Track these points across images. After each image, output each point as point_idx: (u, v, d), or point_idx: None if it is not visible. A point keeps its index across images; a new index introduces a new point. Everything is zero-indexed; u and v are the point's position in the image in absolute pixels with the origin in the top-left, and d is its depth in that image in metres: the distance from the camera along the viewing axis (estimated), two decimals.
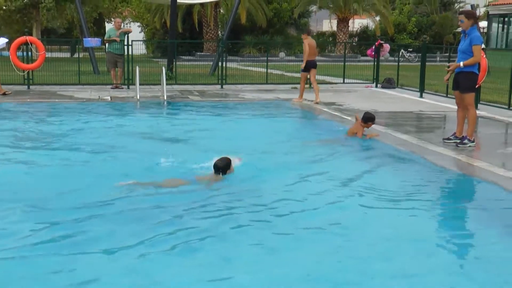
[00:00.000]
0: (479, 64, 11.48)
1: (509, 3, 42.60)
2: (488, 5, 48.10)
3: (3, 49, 22.75)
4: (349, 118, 14.22)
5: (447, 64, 12.16)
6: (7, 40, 19.08)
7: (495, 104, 16.46)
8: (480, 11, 50.64)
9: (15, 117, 14.70)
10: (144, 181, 8.39)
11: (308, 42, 17.48)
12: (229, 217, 7.00)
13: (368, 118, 11.65)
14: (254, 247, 6.08)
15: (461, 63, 10.99)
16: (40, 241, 6.16)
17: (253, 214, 7.13)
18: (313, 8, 53.56)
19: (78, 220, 6.84)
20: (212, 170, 8.56)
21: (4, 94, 17.96)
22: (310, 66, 17.55)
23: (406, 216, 7.41)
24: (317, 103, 17.25)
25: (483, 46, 11.44)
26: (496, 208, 7.64)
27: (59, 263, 5.72)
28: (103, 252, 5.93)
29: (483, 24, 44.25)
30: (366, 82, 24.01)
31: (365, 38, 52.40)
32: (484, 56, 13.77)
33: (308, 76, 17.78)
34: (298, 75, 23.27)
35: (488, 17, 45.22)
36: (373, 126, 12.12)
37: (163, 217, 6.95)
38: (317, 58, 18.61)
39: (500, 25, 43.79)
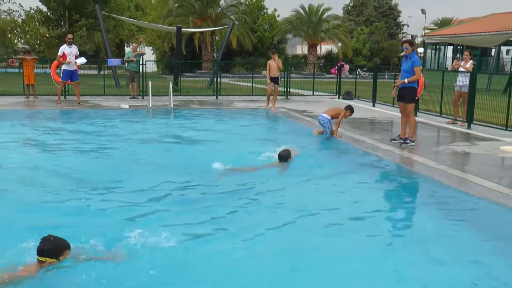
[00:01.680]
0: (418, 81, 11.56)
1: (440, 35, 43.22)
2: (424, 36, 48.44)
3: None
4: (315, 122, 14.23)
5: (394, 81, 12.16)
6: (85, 60, 18.95)
7: (429, 112, 16.53)
8: (418, 40, 50.91)
9: (68, 119, 15.09)
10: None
11: (270, 62, 17.45)
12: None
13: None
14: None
15: (406, 80, 11.05)
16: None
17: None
18: (289, 36, 53.61)
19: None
20: (276, 160, 9.04)
21: (59, 103, 17.94)
22: (272, 81, 17.62)
23: (356, 193, 7.65)
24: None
25: (421, 67, 11.48)
26: (428, 191, 7.75)
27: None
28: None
29: (420, 50, 44.62)
30: (331, 94, 24.04)
31: (329, 60, 52.53)
32: (422, 75, 13.84)
33: (273, 88, 17.70)
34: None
35: (424, 45, 45.71)
36: (341, 131, 12.21)
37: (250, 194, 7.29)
38: (292, 75, 18.49)
39: (433, 51, 44.36)
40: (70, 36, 19.08)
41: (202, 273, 4.80)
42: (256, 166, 8.93)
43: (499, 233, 6.06)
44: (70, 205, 6.71)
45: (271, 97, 17.92)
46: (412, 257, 5.33)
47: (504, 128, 13.25)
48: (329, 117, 12.01)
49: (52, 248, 4.48)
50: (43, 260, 4.47)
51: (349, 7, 67.75)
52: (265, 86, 18.52)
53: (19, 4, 39.60)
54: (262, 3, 51.99)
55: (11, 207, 6.50)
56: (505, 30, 33.33)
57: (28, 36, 39.07)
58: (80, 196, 7.03)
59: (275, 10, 52.90)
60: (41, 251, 4.47)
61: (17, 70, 24.70)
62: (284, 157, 9.07)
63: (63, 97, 19.65)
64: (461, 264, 5.14)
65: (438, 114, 15.93)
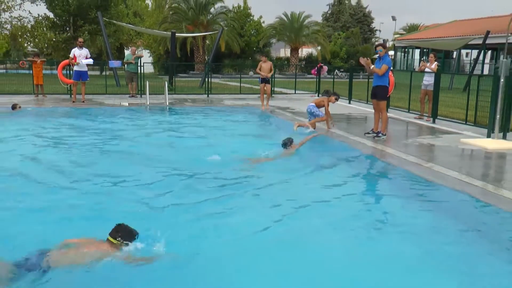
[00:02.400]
0: (389, 80, 11.60)
1: (408, 39, 43.57)
2: (394, 40, 48.75)
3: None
4: (297, 118, 14.25)
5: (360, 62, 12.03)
6: (92, 61, 18.81)
7: (399, 109, 16.62)
8: (389, 44, 51.07)
9: (78, 115, 15.06)
10: None
11: (262, 65, 16.79)
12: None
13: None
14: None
15: (371, 66, 11.15)
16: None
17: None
18: (273, 40, 53.51)
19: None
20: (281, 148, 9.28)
21: (73, 102, 17.86)
22: (263, 82, 17.00)
23: (332, 181, 7.69)
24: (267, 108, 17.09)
25: (391, 68, 11.52)
26: (398, 179, 7.84)
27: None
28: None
29: (391, 52, 44.76)
30: (311, 92, 24.06)
31: (310, 61, 52.43)
32: (392, 75, 13.90)
33: (265, 88, 17.09)
34: None
35: (395, 48, 45.85)
36: (321, 125, 12.28)
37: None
38: (276, 75, 18.33)
39: (403, 53, 44.51)
40: (80, 40, 18.88)
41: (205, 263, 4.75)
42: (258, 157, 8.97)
43: (456, 215, 6.13)
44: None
45: (265, 95, 17.22)
46: (383, 239, 5.41)
47: (464, 122, 13.37)
48: (313, 104, 12.26)
49: (125, 234, 4.59)
50: (115, 242, 4.54)
51: (328, 14, 67.79)
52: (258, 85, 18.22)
53: (29, 11, 39.85)
54: (249, 10, 51.87)
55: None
56: (465, 35, 33.61)
57: (36, 40, 38.88)
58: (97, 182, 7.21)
59: (261, 17, 52.86)
60: (115, 234, 4.56)
61: (27, 71, 24.46)
62: (286, 144, 9.30)
63: (69, 95, 19.52)
64: (419, 240, 5.26)
65: (407, 110, 16.03)
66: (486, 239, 5.34)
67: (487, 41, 29.01)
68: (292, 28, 49.29)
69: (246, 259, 4.77)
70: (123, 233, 4.58)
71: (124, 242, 4.54)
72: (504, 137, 11.18)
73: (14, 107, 14.97)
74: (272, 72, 17.32)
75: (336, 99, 12.64)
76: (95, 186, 7.03)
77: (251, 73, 42.92)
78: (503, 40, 26.02)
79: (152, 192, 6.74)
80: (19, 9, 40.07)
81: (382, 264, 4.68)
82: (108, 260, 4.38)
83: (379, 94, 11.28)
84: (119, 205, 6.24)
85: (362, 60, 11.41)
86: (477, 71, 29.57)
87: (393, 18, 59.96)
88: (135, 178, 7.51)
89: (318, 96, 22.73)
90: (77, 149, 9.79)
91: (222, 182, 7.42)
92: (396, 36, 53.59)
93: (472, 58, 35.96)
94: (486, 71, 33.05)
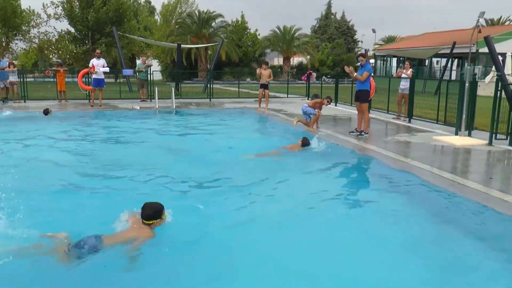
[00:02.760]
0: (370, 85, 11.65)
1: (387, 49, 43.56)
2: (374, 50, 48.70)
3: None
4: (290, 118, 14.29)
5: (352, 84, 12.21)
6: (108, 69, 18.78)
7: (379, 110, 16.67)
8: (370, 53, 51.06)
9: (98, 117, 15.08)
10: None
11: (262, 71, 16.52)
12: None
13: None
14: None
15: (355, 74, 11.27)
16: None
17: None
18: (268, 50, 53.39)
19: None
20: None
21: (92, 106, 17.79)
22: (262, 87, 16.82)
23: (320, 175, 7.72)
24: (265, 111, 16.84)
25: (372, 74, 11.57)
26: (378, 172, 7.84)
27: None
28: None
29: (372, 61, 44.79)
30: (302, 96, 24.08)
31: (300, 69, 52.28)
32: (373, 80, 13.94)
33: (264, 93, 16.87)
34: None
35: (375, 56, 45.85)
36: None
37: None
38: (271, 81, 18.16)
39: (382, 61, 44.55)
40: (98, 51, 18.87)
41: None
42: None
43: (427, 203, 6.18)
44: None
45: (263, 99, 16.96)
46: (363, 222, 5.48)
47: (436, 122, 13.44)
48: (307, 105, 12.44)
49: (154, 212, 4.52)
50: (151, 223, 4.50)
51: (316, 27, 67.65)
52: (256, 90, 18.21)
53: (53, 27, 39.95)
54: (246, 24, 51.80)
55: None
56: (435, 46, 33.68)
57: (60, 52, 39.05)
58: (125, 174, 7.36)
59: (256, 30, 52.88)
60: (147, 217, 4.50)
61: (51, 80, 24.39)
62: (305, 144, 9.46)
63: (87, 100, 19.53)
64: (395, 226, 5.34)
65: (386, 111, 16.09)
66: (453, 224, 5.40)
67: (454, 51, 29.13)
68: (284, 40, 49.22)
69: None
70: (151, 212, 4.52)
71: (156, 219, 4.51)
72: (469, 135, 11.27)
73: (46, 112, 14.57)
74: (271, 78, 16.97)
75: (329, 102, 12.73)
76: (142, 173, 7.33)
77: (248, 79, 42.99)
78: (467, 50, 26.13)
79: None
80: (46, 25, 40.38)
81: (363, 246, 4.76)
82: (150, 241, 4.43)
83: (361, 97, 11.33)
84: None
85: (347, 69, 11.49)
86: (446, 77, 29.64)
87: (373, 31, 59.99)
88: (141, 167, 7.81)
89: (308, 99, 22.77)
90: (119, 144, 10.15)
91: (228, 173, 7.52)
92: (376, 46, 53.51)
93: (441, 66, 36.00)
94: (453, 77, 33.13)
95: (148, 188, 6.55)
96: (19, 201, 4.91)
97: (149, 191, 6.29)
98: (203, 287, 3.93)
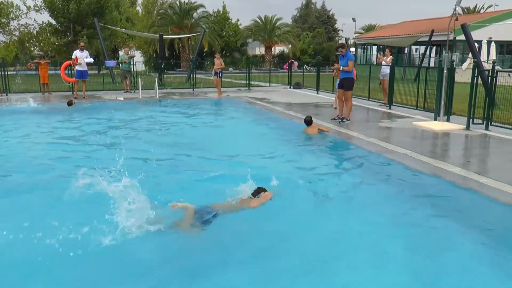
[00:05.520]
0: (354, 72, 11.73)
1: (367, 37, 43.83)
2: (355, 38, 48.92)
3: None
4: (271, 106, 14.33)
5: (332, 71, 12.30)
6: (92, 60, 18.60)
7: (361, 97, 16.79)
8: (350, 41, 51.23)
9: (83, 109, 14.86)
10: None
11: (215, 61, 18.41)
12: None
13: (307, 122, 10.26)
14: None
15: (341, 67, 11.28)
16: None
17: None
18: (250, 40, 53.20)
19: None
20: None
21: (75, 98, 17.48)
22: (215, 74, 18.64)
23: (304, 157, 7.80)
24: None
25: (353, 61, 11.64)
26: (359, 157, 7.90)
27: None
28: None
29: (352, 49, 44.97)
30: (284, 84, 24.09)
31: (282, 58, 52.16)
32: (354, 68, 14.04)
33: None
34: (241, 81, 23.35)
35: (355, 45, 46.03)
36: (293, 113, 12.34)
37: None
38: (253, 70, 18.44)
39: (362, 50, 44.78)
40: (82, 44, 18.82)
41: None
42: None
43: (406, 186, 6.27)
44: None
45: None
46: (345, 204, 5.58)
47: (415, 108, 13.61)
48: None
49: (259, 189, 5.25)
50: (255, 198, 5.17)
51: (296, 17, 67.61)
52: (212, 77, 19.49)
53: (34, 19, 39.29)
54: (227, 14, 51.49)
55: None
56: (414, 34, 33.93)
57: (41, 44, 38.38)
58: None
59: (238, 20, 52.49)
60: (255, 193, 5.20)
61: (34, 72, 24.01)
62: (308, 121, 9.97)
63: (71, 93, 19.31)
64: (377, 206, 5.44)
65: (367, 98, 16.22)
66: (430, 204, 5.52)
67: (433, 39, 29.38)
68: (265, 29, 49.09)
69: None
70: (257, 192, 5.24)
71: (257, 196, 5.18)
72: (448, 120, 11.45)
73: (70, 103, 14.89)
74: (223, 67, 18.92)
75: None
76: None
77: (231, 69, 42.88)
78: (445, 38, 26.41)
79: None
80: (26, 18, 39.71)
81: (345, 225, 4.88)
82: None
83: (346, 85, 11.41)
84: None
85: (333, 68, 11.68)
86: (425, 64, 29.92)
87: (353, 20, 60.24)
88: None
89: (290, 88, 22.82)
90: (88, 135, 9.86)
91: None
92: (356, 35, 53.77)
93: (420, 53, 36.34)
94: (432, 64, 33.46)
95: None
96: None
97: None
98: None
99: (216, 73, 18.54)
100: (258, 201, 5.11)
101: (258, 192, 5.23)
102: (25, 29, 39.47)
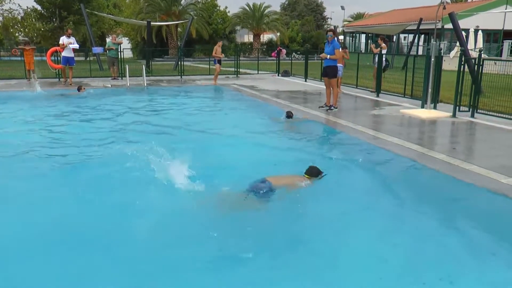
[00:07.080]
0: (337, 60, 11.70)
1: (355, 26, 43.80)
2: (343, 26, 48.83)
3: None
4: (259, 93, 14.30)
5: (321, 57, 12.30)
6: (78, 46, 18.45)
7: (348, 85, 16.82)
8: (339, 30, 51.22)
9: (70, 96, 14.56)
10: None
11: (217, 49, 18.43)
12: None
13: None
14: None
15: (328, 56, 11.22)
16: None
17: None
18: (238, 27, 52.97)
19: None
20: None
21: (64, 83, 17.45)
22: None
23: (291, 144, 7.78)
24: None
25: (339, 49, 11.61)
26: (346, 144, 7.92)
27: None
28: None
29: (341, 37, 44.94)
30: (272, 72, 24.07)
31: (270, 46, 52.08)
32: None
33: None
34: (229, 68, 23.28)
35: (344, 33, 45.92)
36: (281, 101, 12.31)
37: None
38: (241, 58, 18.46)
39: (351, 38, 44.71)
40: (70, 30, 18.71)
41: None
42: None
43: (392, 172, 6.32)
44: None
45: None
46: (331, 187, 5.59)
47: (403, 95, 13.68)
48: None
49: (316, 171, 5.56)
50: (307, 177, 5.48)
51: (285, 5, 67.32)
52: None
53: (18, 4, 38.66)
54: (216, 1, 51.16)
55: None
56: (402, 22, 34.00)
57: (26, 30, 37.69)
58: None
59: (226, 7, 52.56)
60: (310, 173, 5.52)
61: (19, 58, 23.66)
62: (289, 116, 9.96)
63: (57, 79, 19.10)
64: (361, 195, 5.43)
65: (355, 86, 16.25)
66: (415, 192, 5.54)
67: (421, 27, 29.45)
68: (254, 17, 48.85)
69: None
70: (312, 172, 5.53)
71: (312, 177, 5.48)
72: (435, 107, 11.53)
73: (79, 88, 15.18)
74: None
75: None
76: None
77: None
78: (433, 26, 26.44)
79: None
80: (9, 2, 38.87)
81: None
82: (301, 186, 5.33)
83: (330, 73, 11.40)
84: None
85: (321, 56, 11.65)
86: (413, 52, 30.04)
87: (342, 8, 60.18)
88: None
89: (278, 75, 22.77)
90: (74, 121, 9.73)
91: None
92: (345, 23, 53.72)
93: (408, 41, 36.43)
94: (420, 52, 33.58)
95: None
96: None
97: None
98: None
99: (219, 61, 18.74)
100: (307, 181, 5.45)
101: (312, 172, 5.53)
102: (9, 14, 38.70)
